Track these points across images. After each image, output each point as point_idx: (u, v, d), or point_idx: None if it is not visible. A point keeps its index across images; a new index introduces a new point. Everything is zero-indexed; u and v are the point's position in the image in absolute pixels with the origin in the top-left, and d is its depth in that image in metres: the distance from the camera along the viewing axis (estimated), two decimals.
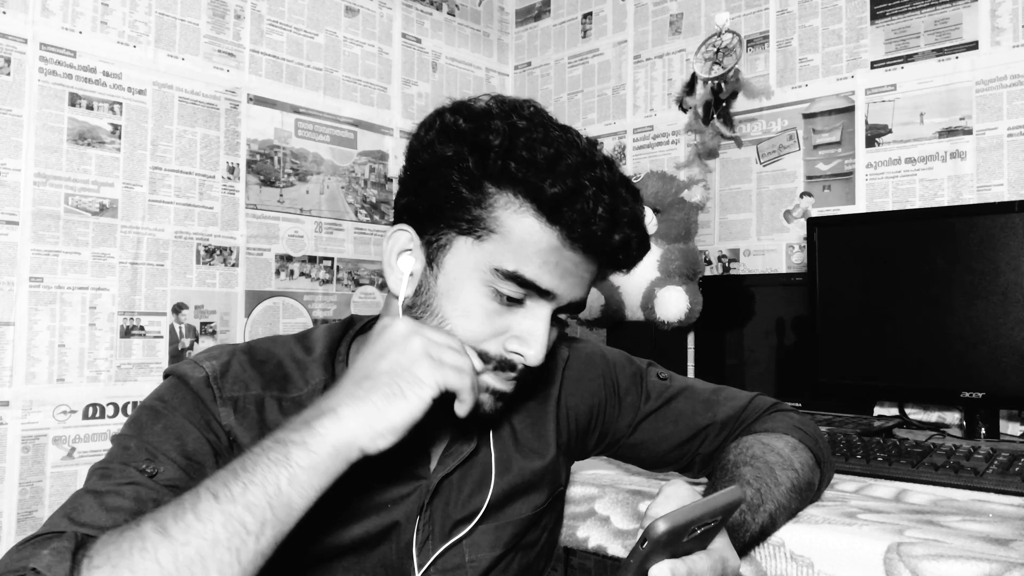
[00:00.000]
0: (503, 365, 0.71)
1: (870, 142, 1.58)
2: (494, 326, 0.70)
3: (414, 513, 0.76)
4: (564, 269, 0.69)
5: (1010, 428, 1.37)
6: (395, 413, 0.60)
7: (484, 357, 0.71)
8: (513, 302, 0.70)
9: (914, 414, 1.45)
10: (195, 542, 0.53)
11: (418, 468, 0.77)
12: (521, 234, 0.68)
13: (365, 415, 0.60)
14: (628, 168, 1.96)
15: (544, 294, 0.69)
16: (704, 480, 0.89)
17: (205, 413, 0.71)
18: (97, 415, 1.42)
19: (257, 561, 0.55)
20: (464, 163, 0.68)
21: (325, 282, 1.78)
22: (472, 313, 0.69)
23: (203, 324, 1.57)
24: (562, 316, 0.75)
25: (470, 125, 0.69)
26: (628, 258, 0.73)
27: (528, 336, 0.70)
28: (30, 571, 0.52)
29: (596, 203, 0.66)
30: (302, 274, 1.74)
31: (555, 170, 0.66)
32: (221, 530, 0.54)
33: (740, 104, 1.60)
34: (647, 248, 0.74)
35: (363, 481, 0.75)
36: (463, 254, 0.70)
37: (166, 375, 0.75)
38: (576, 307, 0.74)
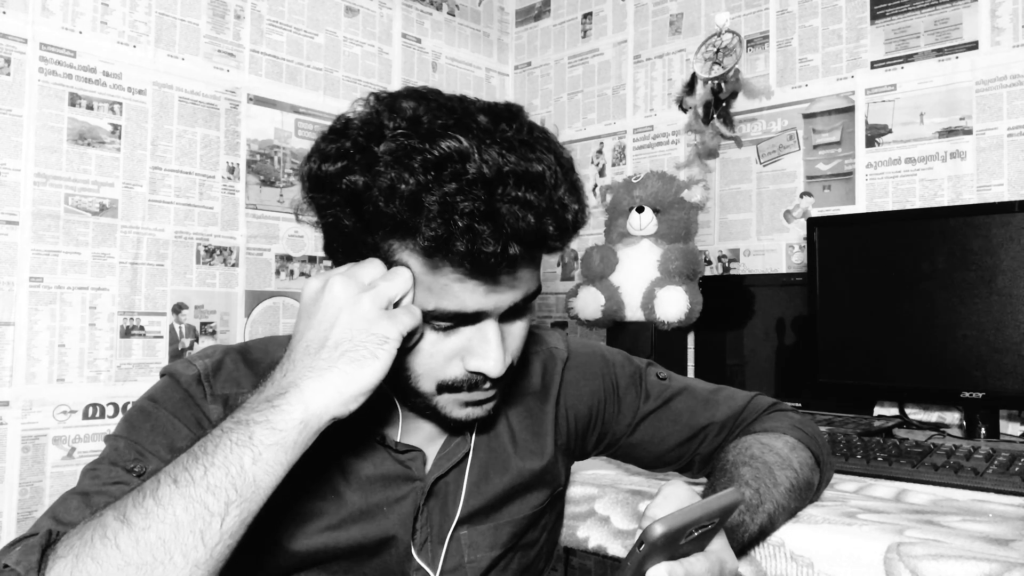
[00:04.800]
0: (472, 385, 0.70)
1: (870, 142, 1.58)
2: (445, 352, 0.69)
3: (410, 515, 0.76)
4: (484, 289, 0.65)
5: (1010, 428, 1.37)
6: (368, 375, 0.61)
7: (453, 385, 0.70)
8: (452, 327, 0.68)
9: (914, 414, 1.45)
10: (156, 527, 0.53)
11: (413, 470, 0.77)
12: (423, 274, 0.65)
13: (334, 384, 0.60)
14: (628, 168, 1.96)
15: (474, 317, 0.67)
16: (703, 480, 0.89)
17: (195, 411, 0.71)
18: (97, 415, 1.42)
19: (226, 541, 0.55)
20: (347, 219, 0.65)
21: None
22: (420, 348, 0.68)
23: (203, 324, 1.57)
24: (520, 319, 0.72)
25: (334, 169, 0.64)
26: (550, 247, 0.66)
27: (481, 350, 0.68)
28: (1, 566, 0.53)
29: (474, 237, 0.60)
30: (302, 274, 1.74)
31: (420, 213, 0.60)
32: (183, 514, 0.54)
33: (740, 104, 1.59)
34: (566, 226, 0.65)
35: (359, 484, 0.76)
36: None
37: (161, 375, 0.75)
38: (527, 299, 0.70)
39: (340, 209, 0.65)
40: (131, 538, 0.53)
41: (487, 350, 0.67)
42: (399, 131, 0.63)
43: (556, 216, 0.64)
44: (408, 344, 0.66)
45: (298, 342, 0.64)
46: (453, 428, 0.78)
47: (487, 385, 0.71)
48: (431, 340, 0.68)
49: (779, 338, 1.58)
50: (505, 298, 0.67)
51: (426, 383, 0.70)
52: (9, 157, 1.34)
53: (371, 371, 0.61)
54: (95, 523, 0.54)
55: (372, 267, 0.65)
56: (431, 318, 0.66)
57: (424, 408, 0.73)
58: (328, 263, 0.72)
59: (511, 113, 0.67)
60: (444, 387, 0.70)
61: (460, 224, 0.59)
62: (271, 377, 0.63)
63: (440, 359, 0.69)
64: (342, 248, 0.70)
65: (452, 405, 0.72)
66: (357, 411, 0.63)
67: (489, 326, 0.68)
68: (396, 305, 0.65)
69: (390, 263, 0.66)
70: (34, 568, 0.53)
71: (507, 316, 0.70)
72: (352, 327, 0.62)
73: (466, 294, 0.65)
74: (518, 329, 0.73)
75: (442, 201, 0.59)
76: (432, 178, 0.60)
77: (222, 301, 1.60)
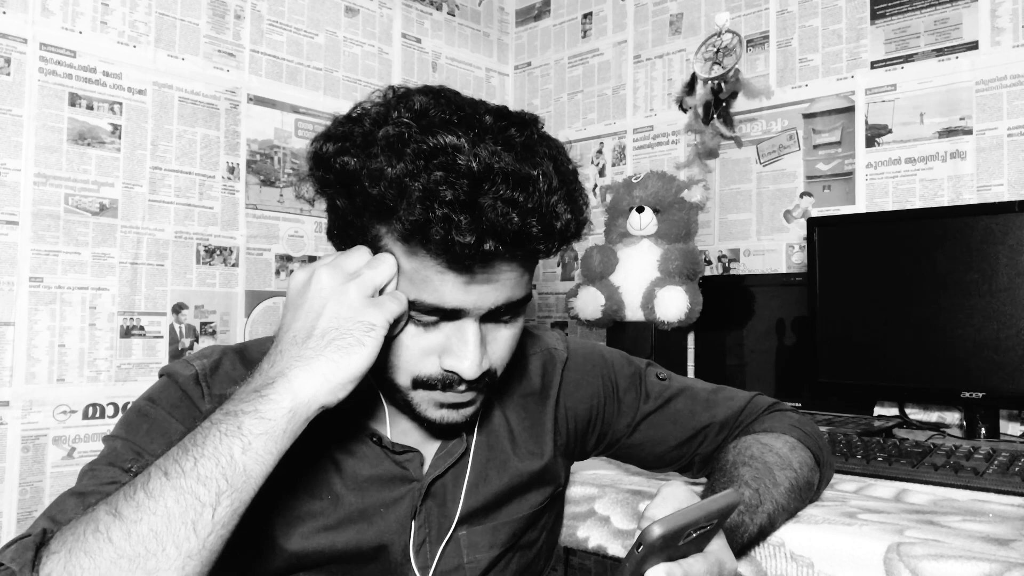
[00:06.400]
0: (446, 385, 0.70)
1: (870, 142, 1.58)
2: (423, 347, 0.68)
3: (407, 517, 0.76)
4: (462, 283, 0.65)
5: (1010, 428, 1.36)
6: (356, 362, 0.61)
7: (428, 382, 0.69)
8: (432, 322, 0.68)
9: (914, 414, 1.45)
10: (147, 519, 0.53)
11: (410, 471, 0.77)
12: (405, 263, 0.65)
13: (321, 372, 0.60)
14: (628, 168, 1.96)
15: (453, 314, 0.67)
16: (703, 480, 0.89)
17: (192, 410, 0.71)
18: (97, 415, 1.42)
19: (218, 532, 0.55)
20: (340, 199, 0.67)
21: None
22: (400, 340, 0.68)
23: (203, 324, 1.57)
24: (505, 319, 0.71)
25: (333, 149, 0.66)
26: (533, 250, 0.66)
27: (458, 349, 0.67)
28: None
29: (449, 226, 0.60)
30: None
31: (402, 198, 0.60)
32: (174, 505, 0.54)
33: (740, 104, 1.60)
34: (552, 232, 0.65)
35: (355, 485, 0.76)
36: None
37: (160, 375, 0.76)
38: (513, 306, 0.69)
39: (335, 189, 0.67)
40: (123, 531, 0.53)
41: (464, 350, 0.67)
42: (402, 120, 0.63)
43: (543, 220, 0.63)
44: (394, 332, 0.67)
45: (285, 333, 0.64)
46: (432, 430, 0.77)
47: (462, 388, 0.70)
48: (411, 333, 0.68)
49: (779, 338, 1.58)
50: (486, 297, 0.67)
51: (402, 376, 0.70)
52: (9, 157, 1.34)
53: (359, 358, 0.61)
54: (87, 518, 0.54)
55: (357, 255, 0.66)
56: (412, 309, 0.66)
57: (404, 404, 0.73)
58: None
59: (523, 121, 0.67)
60: (419, 383, 0.70)
61: (438, 212, 0.59)
62: (259, 369, 0.63)
63: (417, 353, 0.69)
64: (338, 231, 0.71)
65: (427, 404, 0.72)
66: (353, 410, 0.63)
67: (468, 325, 0.67)
68: (382, 292, 0.65)
69: (376, 249, 0.67)
70: (28, 565, 0.53)
71: (492, 320, 0.70)
72: (339, 316, 0.62)
73: (445, 287, 0.65)
74: (503, 337, 0.72)
75: (425, 187, 0.60)
76: (421, 166, 0.60)
77: (222, 301, 1.60)
